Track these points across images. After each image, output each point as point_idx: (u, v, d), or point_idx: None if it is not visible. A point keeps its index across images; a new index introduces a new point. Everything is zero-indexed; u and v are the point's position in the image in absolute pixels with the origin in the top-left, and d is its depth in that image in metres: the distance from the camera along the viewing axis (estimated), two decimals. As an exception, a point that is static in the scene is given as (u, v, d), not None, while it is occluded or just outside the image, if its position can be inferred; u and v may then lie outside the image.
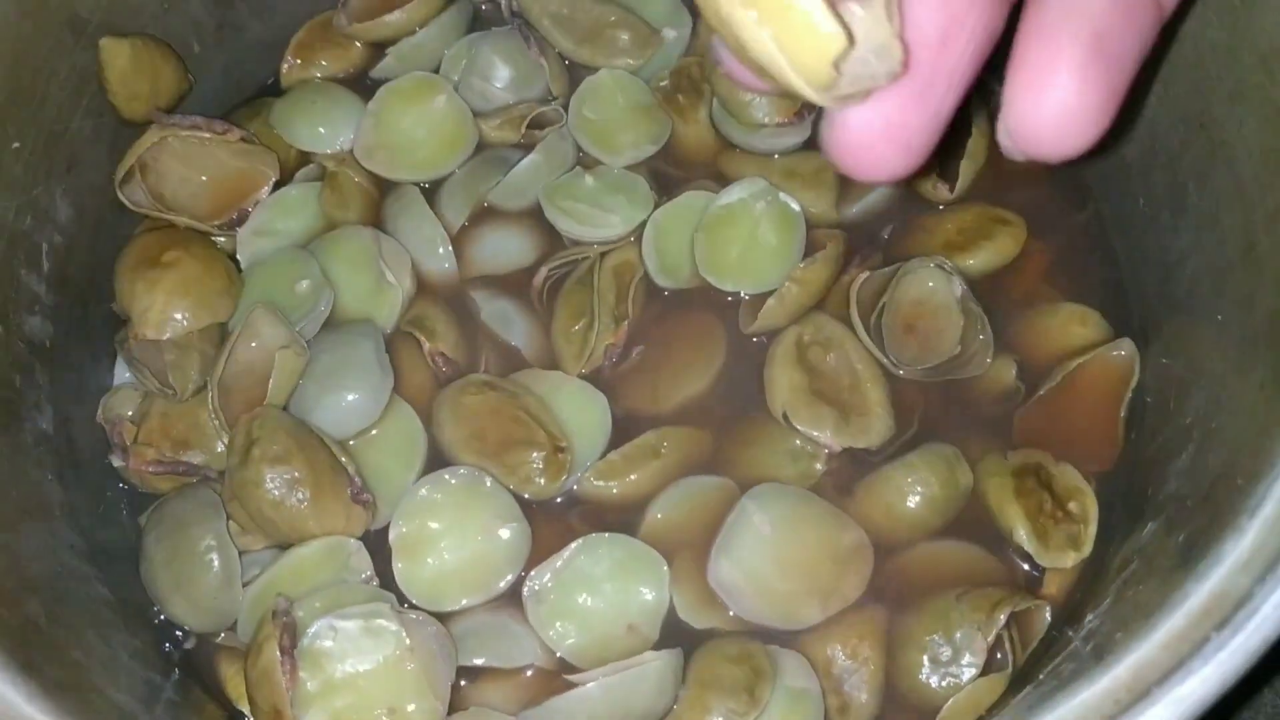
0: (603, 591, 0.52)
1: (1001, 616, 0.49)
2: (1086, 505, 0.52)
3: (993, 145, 0.60)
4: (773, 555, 0.51)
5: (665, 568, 0.52)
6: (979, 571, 0.52)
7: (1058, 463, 0.53)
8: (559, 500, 0.55)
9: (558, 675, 0.51)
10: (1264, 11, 0.42)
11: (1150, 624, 0.32)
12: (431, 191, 0.61)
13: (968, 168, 0.58)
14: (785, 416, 0.55)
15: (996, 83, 0.59)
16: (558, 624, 0.51)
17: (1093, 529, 0.51)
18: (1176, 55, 0.49)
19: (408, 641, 0.49)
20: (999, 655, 0.49)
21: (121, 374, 0.58)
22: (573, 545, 0.52)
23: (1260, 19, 0.42)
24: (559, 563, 0.52)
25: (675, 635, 0.52)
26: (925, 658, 0.50)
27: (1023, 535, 0.51)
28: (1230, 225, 0.46)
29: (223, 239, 0.60)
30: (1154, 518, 0.45)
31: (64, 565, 0.47)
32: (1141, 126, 0.52)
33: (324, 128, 0.62)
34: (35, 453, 0.49)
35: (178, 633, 0.53)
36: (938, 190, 0.59)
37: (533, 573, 0.52)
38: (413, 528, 0.53)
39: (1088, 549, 0.50)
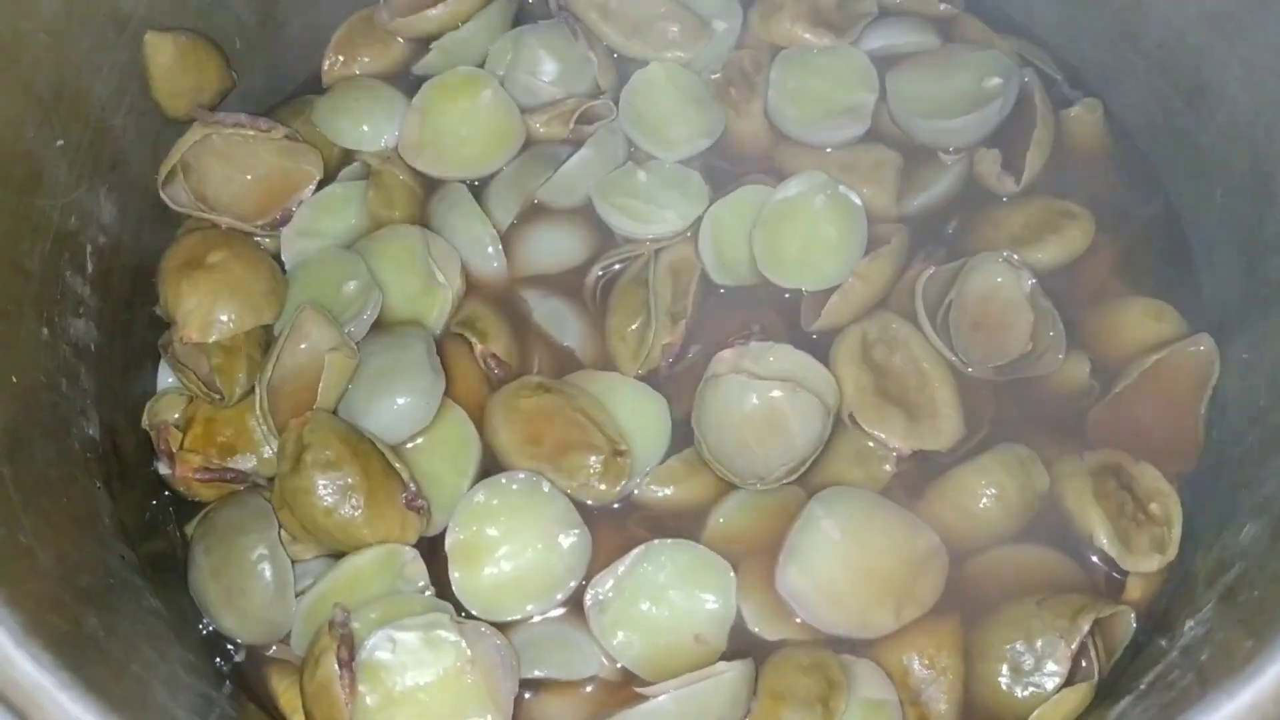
0: (667, 600, 0.50)
1: (1085, 624, 0.47)
2: (1170, 507, 0.50)
3: (1058, 135, 0.58)
4: (843, 561, 0.50)
5: (732, 574, 0.50)
6: (1058, 577, 0.50)
7: (1137, 462, 0.51)
8: (617, 506, 0.53)
9: (622, 687, 0.49)
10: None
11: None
12: (479, 189, 0.60)
13: (1034, 158, 0.57)
14: (851, 418, 0.53)
15: (1059, 75, 0.58)
16: (621, 634, 0.50)
17: (1177, 531, 0.49)
18: (1259, 39, 0.47)
19: (469, 653, 0.47)
20: (1083, 663, 0.47)
21: (165, 378, 0.56)
22: (635, 552, 0.50)
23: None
24: (621, 569, 0.50)
25: (743, 645, 0.50)
26: (1006, 666, 0.48)
27: (1104, 538, 0.49)
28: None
29: (267, 239, 0.59)
30: (1253, 519, 0.43)
31: (115, 577, 0.45)
32: (1220, 110, 0.50)
33: (367, 125, 0.61)
34: (83, 460, 0.48)
35: (228, 646, 0.51)
36: (1003, 182, 0.57)
37: (594, 580, 0.50)
38: (470, 535, 0.51)
39: (1172, 552, 0.49)
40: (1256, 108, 0.48)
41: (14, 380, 0.44)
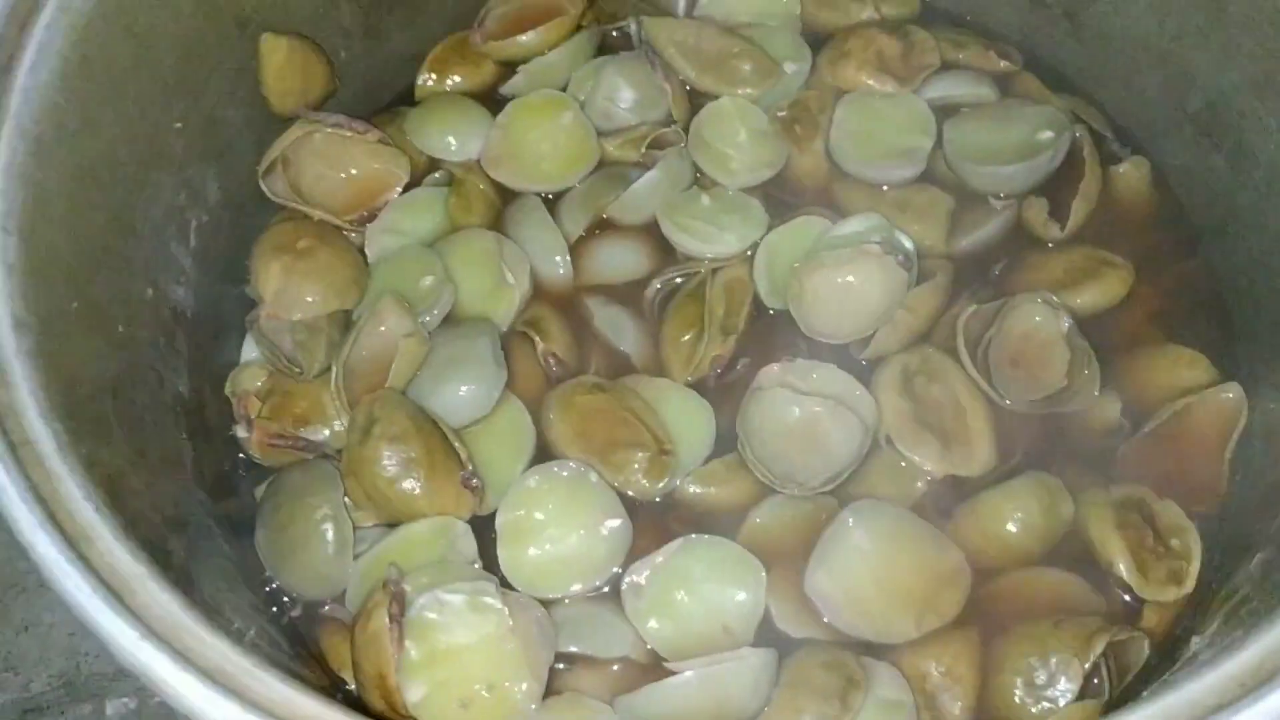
0: (700, 591, 0.52)
1: (1099, 645, 0.49)
2: (1189, 543, 0.52)
3: (1105, 189, 0.61)
4: (870, 569, 0.52)
5: (763, 572, 0.53)
6: (1077, 601, 0.52)
7: (1161, 499, 0.53)
8: (659, 500, 0.56)
9: (650, 669, 0.52)
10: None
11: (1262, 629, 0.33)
12: (552, 203, 0.64)
13: (1080, 207, 0.59)
14: (888, 440, 0.56)
15: (1109, 133, 0.61)
16: (654, 619, 0.52)
17: (1196, 566, 0.51)
18: (1297, 100, 0.50)
19: (510, 621, 0.50)
20: (1094, 681, 0.49)
21: (249, 353, 0.60)
22: (674, 544, 0.53)
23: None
24: (659, 559, 0.53)
25: (768, 641, 0.52)
26: (1020, 680, 0.50)
27: (1123, 568, 0.51)
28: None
29: (353, 234, 0.63)
30: (1263, 548, 0.45)
31: (194, 518, 0.49)
32: (1257, 171, 0.53)
33: (453, 138, 0.65)
34: (173, 412, 0.52)
35: (285, 599, 0.55)
36: (1049, 229, 0.60)
37: (632, 567, 0.53)
38: (519, 516, 0.54)
39: (1190, 585, 0.51)
40: (1289, 167, 0.51)
41: (120, 330, 0.48)
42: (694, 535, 0.54)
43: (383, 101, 0.68)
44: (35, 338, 0.39)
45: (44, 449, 0.36)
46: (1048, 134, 0.60)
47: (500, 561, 0.54)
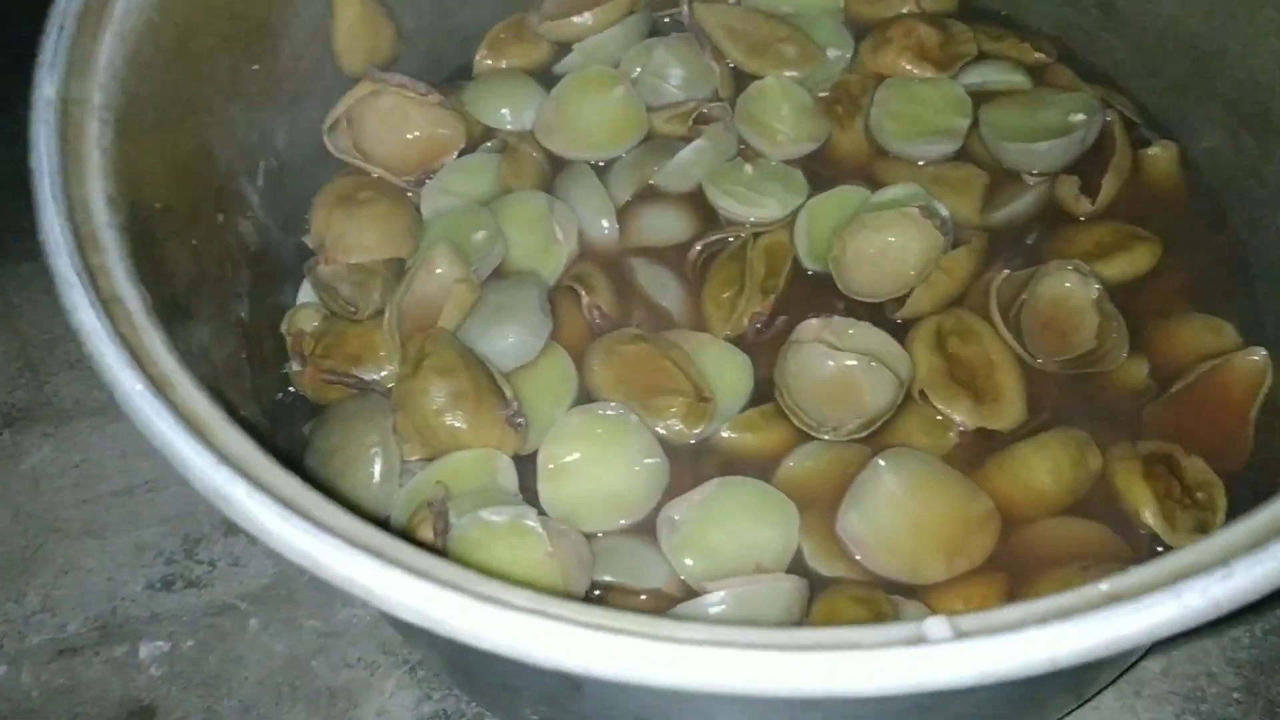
0: (735, 530, 0.54)
1: (1125, 587, 0.50)
2: (1215, 495, 0.53)
3: (1135, 170, 0.63)
4: (902, 512, 0.53)
5: (796, 513, 0.54)
6: (1105, 549, 0.53)
7: (1188, 455, 0.54)
8: (695, 445, 0.57)
9: (682, 601, 0.53)
10: None
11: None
12: (601, 171, 0.66)
13: (1110, 182, 0.62)
14: (922, 394, 0.57)
15: (1140, 119, 0.63)
16: (688, 555, 0.54)
17: (1221, 517, 0.52)
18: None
19: (549, 546, 0.51)
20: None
21: (305, 296, 0.63)
22: (711, 483, 0.54)
23: None
24: (696, 498, 0.54)
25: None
26: (1047, 619, 0.51)
27: (1149, 515, 0.53)
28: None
29: (410, 193, 0.66)
30: None
31: (252, 422, 0.51)
32: (1283, 146, 0.55)
33: (508, 109, 0.68)
34: (236, 332, 0.54)
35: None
36: (1079, 203, 0.62)
37: (669, 504, 0.54)
38: (560, 452, 0.56)
39: (1216, 534, 0.51)
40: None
41: (194, 244, 0.51)
42: (731, 476, 0.55)
43: (443, 73, 0.71)
44: (124, 217, 0.42)
45: (132, 306, 0.38)
46: (1080, 116, 0.62)
47: (540, 496, 0.55)
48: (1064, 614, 0.31)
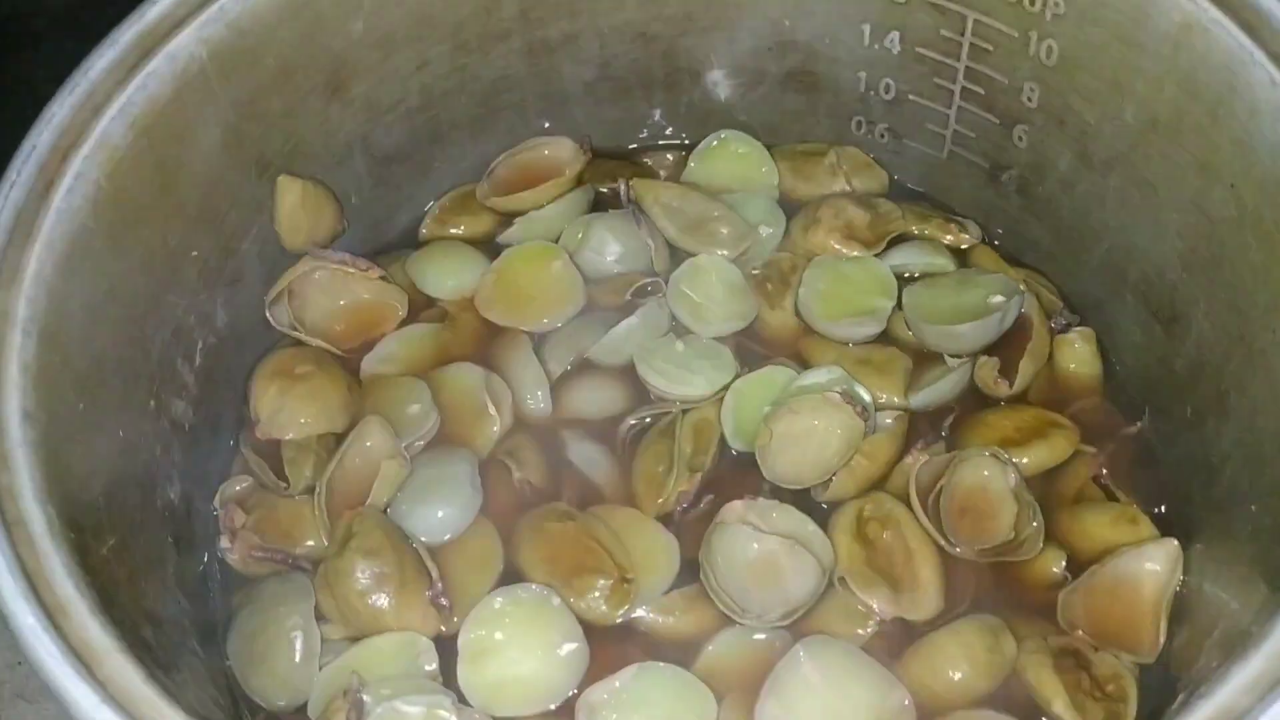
0: (654, 717, 0.54)
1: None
2: (1126, 687, 0.54)
3: (1054, 357, 0.65)
4: (820, 704, 0.54)
5: (714, 704, 0.55)
6: (1017, 743, 0.54)
7: (1096, 651, 0.55)
8: (620, 622, 0.58)
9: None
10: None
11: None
12: (538, 341, 0.68)
13: (1027, 366, 0.63)
14: (842, 581, 0.58)
15: (1060, 303, 0.65)
16: (609, 742, 0.54)
17: (1133, 708, 0.53)
18: (1219, 277, 0.54)
19: (463, 737, 0.52)
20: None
21: (239, 468, 0.64)
22: (631, 668, 0.55)
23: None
24: (616, 684, 0.55)
25: (718, 774, 0.54)
26: (960, 822, 0.51)
27: (1060, 708, 0.53)
28: (1265, 427, 0.50)
29: (348, 362, 0.67)
30: (1184, 690, 0.47)
31: (171, 616, 0.51)
32: (1189, 338, 0.57)
33: (451, 280, 0.70)
34: (162, 516, 0.55)
35: (249, 708, 0.56)
36: (999, 385, 0.64)
37: (590, 689, 0.55)
38: (481, 635, 0.56)
39: (1128, 728, 0.52)
40: (1216, 335, 0.55)
41: (121, 435, 0.52)
42: (651, 662, 0.55)
43: (387, 239, 0.73)
44: (41, 431, 0.43)
45: (35, 530, 0.39)
46: (999, 298, 0.64)
47: (459, 679, 0.56)
48: None
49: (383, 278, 0.67)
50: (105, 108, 0.51)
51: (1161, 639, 0.55)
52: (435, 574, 0.58)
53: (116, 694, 0.35)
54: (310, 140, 0.64)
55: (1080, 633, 0.56)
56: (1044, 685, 0.54)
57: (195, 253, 0.59)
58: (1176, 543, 0.57)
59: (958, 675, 0.55)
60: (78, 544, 0.40)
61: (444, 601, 0.57)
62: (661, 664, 0.56)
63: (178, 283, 0.58)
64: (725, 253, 0.70)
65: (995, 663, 0.55)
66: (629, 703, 0.54)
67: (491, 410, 0.64)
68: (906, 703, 0.54)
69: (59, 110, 0.51)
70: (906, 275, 0.69)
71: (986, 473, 0.60)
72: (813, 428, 0.61)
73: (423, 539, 0.59)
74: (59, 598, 0.37)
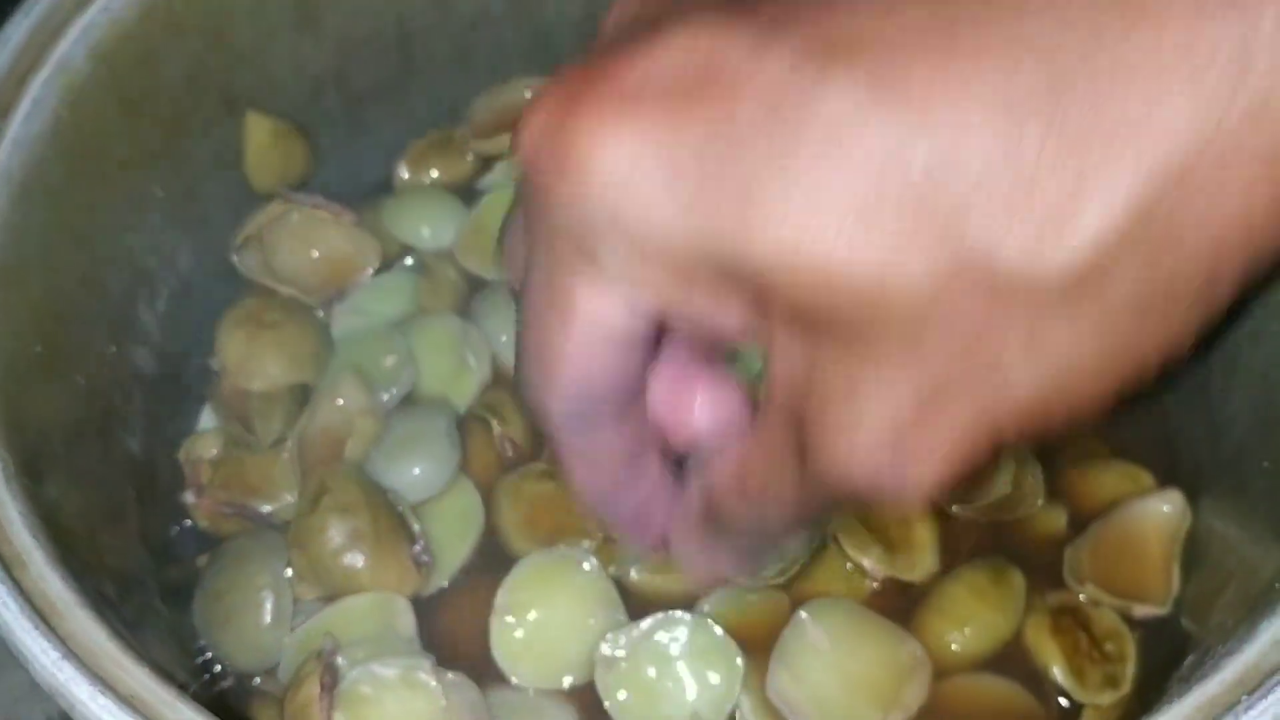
0: (673, 670, 0.52)
1: (1039, 753, 0.49)
2: (1124, 646, 0.53)
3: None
4: (830, 666, 0.52)
5: (740, 660, 0.52)
6: (1019, 709, 0.52)
7: (1096, 606, 0.54)
8: (608, 585, 0.56)
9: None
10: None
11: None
12: (520, 294, 0.65)
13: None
14: (835, 538, 0.56)
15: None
16: (623, 692, 0.51)
17: (1130, 668, 0.52)
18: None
19: (443, 700, 0.49)
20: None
21: (206, 422, 0.61)
22: (652, 618, 0.52)
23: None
24: (635, 632, 0.52)
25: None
26: (962, 789, 0.49)
27: (1058, 672, 0.52)
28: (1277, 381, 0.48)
29: (320, 313, 0.64)
30: (1193, 651, 0.46)
31: (133, 574, 0.49)
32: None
33: (428, 228, 0.67)
34: (123, 468, 0.52)
35: (216, 668, 0.54)
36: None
37: (609, 637, 0.52)
38: (524, 600, 0.54)
39: (1127, 687, 0.51)
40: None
41: (80, 381, 0.49)
42: (674, 612, 0.53)
43: (360, 187, 0.69)
44: (-5, 372, 0.40)
45: (-10, 475, 0.36)
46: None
47: (491, 641, 0.53)
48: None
49: (356, 223, 0.64)
50: (64, 30, 0.48)
51: (1175, 586, 0.54)
52: (417, 530, 0.55)
53: (78, 650, 0.32)
54: (280, 76, 0.61)
55: (1090, 585, 0.54)
56: (1042, 650, 0.53)
57: (159, 192, 0.56)
58: (1180, 494, 0.55)
59: (967, 610, 0.54)
60: (33, 492, 0.37)
61: (426, 559, 0.55)
62: (686, 615, 0.53)
63: (140, 222, 0.55)
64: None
65: (1003, 594, 0.54)
66: (650, 653, 0.52)
67: (471, 363, 0.61)
68: (920, 653, 0.52)
69: (14, 33, 0.47)
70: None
71: (984, 431, 0.58)
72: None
73: (401, 496, 0.56)
74: (16, 548, 0.34)
